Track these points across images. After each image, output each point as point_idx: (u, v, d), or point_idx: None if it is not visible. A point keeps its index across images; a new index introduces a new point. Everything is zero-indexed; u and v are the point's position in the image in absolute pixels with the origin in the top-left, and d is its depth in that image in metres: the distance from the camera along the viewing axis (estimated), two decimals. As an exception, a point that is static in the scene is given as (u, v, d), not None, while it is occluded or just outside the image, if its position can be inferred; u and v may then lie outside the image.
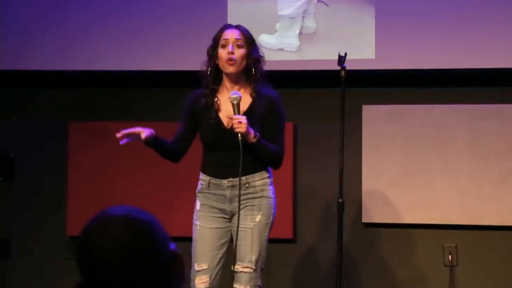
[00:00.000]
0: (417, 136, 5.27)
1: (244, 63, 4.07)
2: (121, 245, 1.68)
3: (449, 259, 5.28)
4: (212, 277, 4.07)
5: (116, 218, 1.72)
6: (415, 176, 5.27)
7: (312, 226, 5.45)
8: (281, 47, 5.32)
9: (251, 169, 4.05)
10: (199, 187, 4.15)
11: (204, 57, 4.15)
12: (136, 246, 1.69)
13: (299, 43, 5.31)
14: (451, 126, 5.24)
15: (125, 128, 4.07)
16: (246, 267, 4.05)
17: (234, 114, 3.95)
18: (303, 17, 5.32)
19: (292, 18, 5.32)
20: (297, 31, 5.31)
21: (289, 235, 5.44)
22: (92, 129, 5.61)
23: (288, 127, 5.43)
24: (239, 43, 4.06)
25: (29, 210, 5.75)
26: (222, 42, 4.07)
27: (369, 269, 5.38)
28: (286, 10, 5.33)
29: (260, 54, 4.14)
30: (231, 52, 4.03)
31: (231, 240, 4.12)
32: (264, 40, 5.32)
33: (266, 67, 5.44)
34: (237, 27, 4.13)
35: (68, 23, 5.53)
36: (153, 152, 4.14)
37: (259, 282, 4.10)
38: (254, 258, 4.06)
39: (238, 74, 4.08)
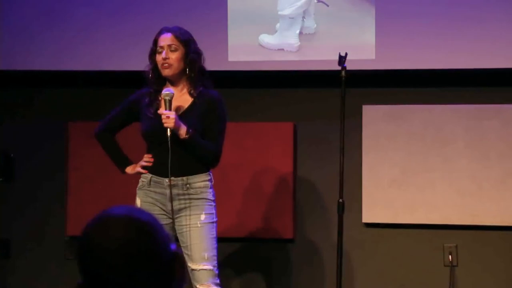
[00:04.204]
0: (417, 136, 5.27)
1: (181, 64, 4.19)
2: (121, 245, 1.68)
3: (449, 259, 5.28)
4: None
5: (117, 218, 1.72)
6: (415, 176, 5.26)
7: (312, 226, 5.45)
8: (281, 47, 5.32)
9: (193, 170, 4.15)
10: (139, 184, 4.25)
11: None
12: (137, 246, 1.69)
13: (299, 43, 5.30)
14: (452, 126, 5.24)
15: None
16: (203, 265, 4.11)
17: (165, 109, 4.07)
18: (303, 17, 5.31)
19: (292, 18, 5.32)
20: (297, 31, 5.31)
21: (289, 235, 5.43)
22: (92, 129, 5.60)
23: (288, 127, 5.45)
24: (172, 47, 4.18)
25: (29, 210, 5.75)
26: (158, 48, 4.21)
27: (369, 269, 5.38)
28: (286, 10, 5.33)
29: (199, 52, 4.24)
30: (165, 58, 4.16)
31: (176, 239, 4.16)
32: (264, 40, 5.32)
33: (266, 67, 5.45)
34: (172, 30, 4.22)
35: (68, 24, 5.53)
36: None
37: (218, 280, 4.16)
38: (207, 255, 4.11)
39: (177, 75, 4.20)
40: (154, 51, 4.22)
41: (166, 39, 4.19)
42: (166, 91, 4.11)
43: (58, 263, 5.66)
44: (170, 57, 4.16)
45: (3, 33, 5.59)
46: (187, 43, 4.20)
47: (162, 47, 4.18)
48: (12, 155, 5.79)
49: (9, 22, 5.59)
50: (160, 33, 4.23)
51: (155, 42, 4.23)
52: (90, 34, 5.50)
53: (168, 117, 4.03)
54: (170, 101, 4.08)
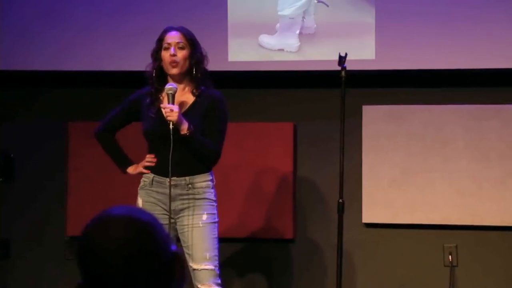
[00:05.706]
0: (417, 136, 5.27)
1: (187, 63, 4.19)
2: (122, 245, 1.68)
3: (449, 259, 5.28)
4: None
5: (117, 218, 1.72)
6: (415, 176, 5.26)
7: (312, 226, 5.45)
8: (281, 47, 5.32)
9: (195, 170, 4.15)
10: (141, 183, 4.25)
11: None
12: (137, 246, 1.69)
13: (299, 43, 5.30)
14: (451, 127, 5.24)
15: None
16: (205, 265, 4.11)
17: (168, 104, 4.07)
18: (303, 17, 5.31)
19: (292, 18, 5.32)
20: (297, 32, 5.31)
21: (289, 235, 5.44)
22: (92, 129, 5.60)
23: (288, 127, 5.45)
24: (180, 45, 4.18)
25: (29, 210, 5.75)
26: (165, 45, 4.20)
27: (369, 269, 5.38)
28: (286, 10, 5.33)
29: (203, 53, 4.25)
30: (173, 55, 4.16)
31: (177, 239, 4.17)
32: (264, 40, 5.32)
33: (266, 67, 5.45)
34: (179, 29, 4.23)
35: (68, 24, 5.53)
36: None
37: (219, 280, 4.16)
38: (208, 255, 4.12)
39: (182, 74, 4.20)
40: (159, 48, 4.21)
41: (174, 37, 4.19)
42: (169, 85, 4.11)
43: (58, 263, 5.66)
44: (178, 55, 4.16)
45: (3, 33, 5.59)
46: (193, 42, 4.22)
47: (169, 44, 4.18)
48: (12, 155, 5.79)
49: (9, 22, 5.59)
50: (166, 31, 4.24)
51: (161, 40, 4.22)
52: (90, 34, 5.50)
53: (172, 111, 4.03)
54: (173, 96, 4.08)
